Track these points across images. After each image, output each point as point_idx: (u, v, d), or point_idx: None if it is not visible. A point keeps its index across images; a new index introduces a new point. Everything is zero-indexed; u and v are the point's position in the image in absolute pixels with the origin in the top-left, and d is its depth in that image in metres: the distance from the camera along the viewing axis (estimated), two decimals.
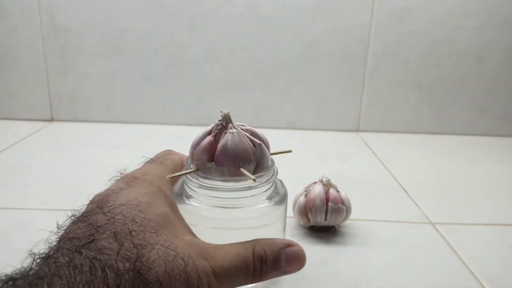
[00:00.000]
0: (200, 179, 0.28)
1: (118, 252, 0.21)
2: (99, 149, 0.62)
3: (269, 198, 0.30)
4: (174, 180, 0.31)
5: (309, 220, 0.39)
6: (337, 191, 0.40)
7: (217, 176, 0.28)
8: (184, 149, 0.30)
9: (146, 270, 0.21)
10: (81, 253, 0.20)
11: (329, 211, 0.38)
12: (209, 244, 0.25)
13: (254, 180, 0.27)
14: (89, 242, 0.21)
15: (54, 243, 0.22)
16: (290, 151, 0.32)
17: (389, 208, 0.46)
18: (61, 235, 0.23)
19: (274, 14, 0.70)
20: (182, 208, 0.29)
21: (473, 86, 0.74)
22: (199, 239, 0.26)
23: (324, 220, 0.39)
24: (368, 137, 0.73)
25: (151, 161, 0.31)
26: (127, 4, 0.69)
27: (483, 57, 0.72)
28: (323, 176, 0.41)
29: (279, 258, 0.26)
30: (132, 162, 0.32)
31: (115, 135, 0.70)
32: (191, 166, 0.29)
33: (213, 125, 0.30)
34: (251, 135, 0.29)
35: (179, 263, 0.22)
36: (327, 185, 0.40)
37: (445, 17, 0.70)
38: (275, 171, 0.30)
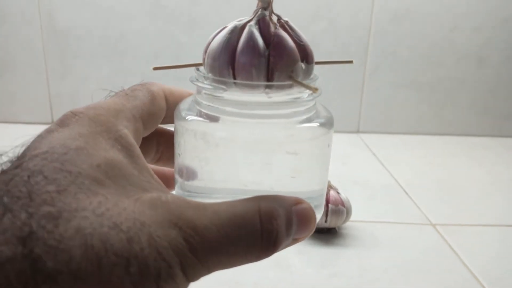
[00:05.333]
0: (226, 87, 0.20)
1: None
2: None
3: (312, 119, 0.21)
4: (139, 114, 0.21)
5: None
6: (338, 192, 0.40)
7: (258, 80, 0.19)
8: None
9: (45, 255, 0.13)
10: None
11: (329, 213, 0.38)
12: (188, 202, 0.16)
13: (315, 90, 0.19)
14: None
15: None
16: (351, 62, 0.25)
17: (390, 209, 0.46)
18: None
19: None
20: (197, 129, 0.20)
21: (473, 86, 0.74)
22: (173, 195, 0.16)
23: (325, 222, 0.39)
24: (368, 138, 0.73)
25: (114, 94, 0.22)
26: (127, 6, 0.70)
27: (483, 57, 0.72)
28: None
29: (291, 219, 0.18)
30: None
31: None
32: (204, 72, 0.21)
33: (235, 22, 0.22)
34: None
35: (117, 238, 0.14)
36: (328, 186, 0.40)
37: (445, 18, 0.70)
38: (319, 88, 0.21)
